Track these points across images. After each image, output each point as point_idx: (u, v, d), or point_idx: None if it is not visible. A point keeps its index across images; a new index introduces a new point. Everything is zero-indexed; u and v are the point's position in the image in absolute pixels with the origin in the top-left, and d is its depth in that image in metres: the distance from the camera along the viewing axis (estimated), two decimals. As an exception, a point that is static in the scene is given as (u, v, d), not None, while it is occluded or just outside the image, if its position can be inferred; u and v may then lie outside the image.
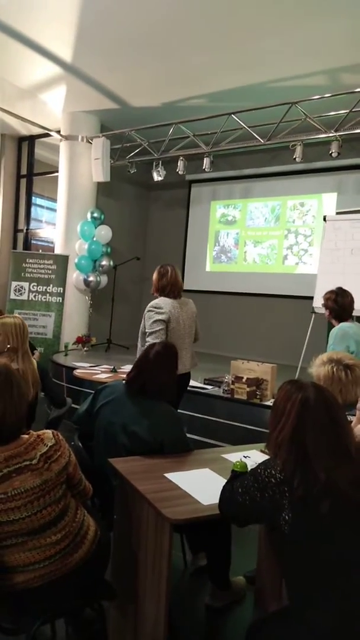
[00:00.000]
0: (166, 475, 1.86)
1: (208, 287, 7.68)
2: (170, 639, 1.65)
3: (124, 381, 2.36)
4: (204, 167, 6.08)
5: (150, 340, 2.94)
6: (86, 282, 6.73)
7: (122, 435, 2.12)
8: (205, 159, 6.02)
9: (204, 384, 4.50)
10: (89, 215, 6.76)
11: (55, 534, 1.50)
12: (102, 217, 6.86)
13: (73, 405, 3.27)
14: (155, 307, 3.07)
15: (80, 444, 2.26)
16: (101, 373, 4.58)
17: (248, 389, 3.95)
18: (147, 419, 2.12)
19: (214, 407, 4.24)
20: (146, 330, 3.05)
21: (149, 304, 3.12)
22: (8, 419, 1.49)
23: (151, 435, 2.10)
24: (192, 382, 4.31)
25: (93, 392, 2.42)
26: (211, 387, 4.41)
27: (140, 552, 1.76)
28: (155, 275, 3.25)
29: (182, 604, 2.24)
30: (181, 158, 6.20)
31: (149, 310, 3.09)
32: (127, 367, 4.77)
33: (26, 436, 1.54)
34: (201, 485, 1.80)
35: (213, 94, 5.68)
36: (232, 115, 5.48)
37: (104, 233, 6.79)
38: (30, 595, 1.49)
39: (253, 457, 2.11)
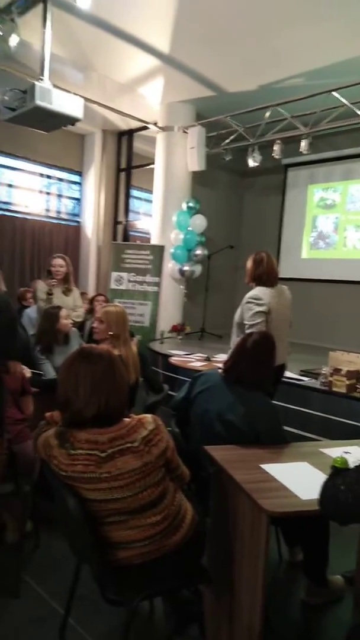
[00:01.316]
0: (262, 466, 1.84)
1: (304, 275, 7.42)
2: (266, 630, 1.64)
3: (219, 370, 2.37)
4: (301, 150, 5.84)
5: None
6: (181, 272, 6.85)
7: (218, 423, 2.14)
8: (303, 141, 5.78)
9: (300, 375, 4.37)
10: (184, 205, 6.84)
11: (155, 515, 1.56)
12: (198, 206, 6.90)
13: (169, 392, 3.36)
14: (255, 299, 3.01)
15: (177, 430, 2.32)
16: (195, 361, 4.65)
17: (348, 382, 3.77)
18: (243, 408, 2.10)
19: (310, 400, 4.11)
20: (246, 322, 3.00)
21: (248, 295, 3.06)
22: (111, 403, 1.57)
23: (247, 424, 2.08)
24: (287, 374, 4.21)
25: (187, 379, 2.46)
26: (307, 378, 4.27)
27: (236, 541, 1.76)
28: (249, 264, 3.18)
29: (277, 597, 2.22)
30: (278, 141, 6.02)
31: (248, 302, 3.03)
32: (221, 356, 4.79)
33: (128, 419, 1.61)
34: (299, 478, 1.76)
35: (312, 71, 5.41)
36: (333, 92, 5.17)
37: (199, 222, 6.84)
38: (132, 572, 1.57)
39: (354, 453, 2.01)
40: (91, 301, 5.24)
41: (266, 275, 3.09)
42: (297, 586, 2.28)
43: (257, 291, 3.06)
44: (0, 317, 1.60)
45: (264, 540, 1.57)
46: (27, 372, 2.91)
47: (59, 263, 4.19)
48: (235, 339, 3.09)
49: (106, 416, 1.55)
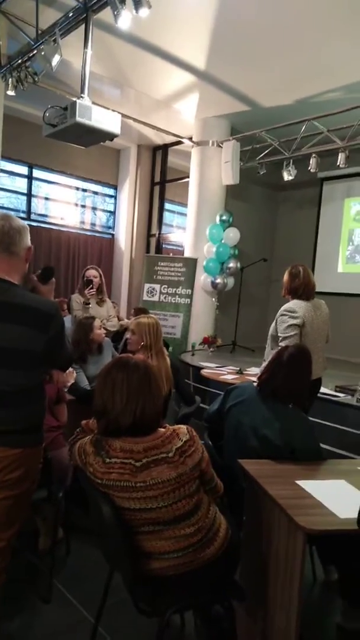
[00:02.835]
0: (298, 482, 1.80)
1: (340, 289, 7.28)
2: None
3: (254, 383, 2.34)
4: (338, 163, 5.79)
5: (283, 345, 2.88)
6: (213, 284, 6.85)
7: (253, 437, 2.11)
8: (340, 154, 5.74)
9: (336, 391, 4.27)
10: (217, 218, 6.87)
11: (189, 527, 1.55)
12: (231, 219, 6.92)
13: (201, 405, 3.34)
14: (289, 311, 2.98)
15: (210, 442, 2.30)
16: (227, 374, 4.62)
17: (385, 399, 3.65)
18: (278, 423, 2.07)
19: (346, 417, 4.00)
20: (279, 335, 2.97)
21: (283, 308, 3.04)
22: (147, 412, 1.57)
23: (282, 440, 2.05)
24: (322, 389, 4.13)
25: (218, 391, 2.45)
26: (343, 395, 4.17)
27: (271, 558, 1.72)
28: (286, 277, 3.16)
29: (311, 619, 2.14)
30: (314, 155, 5.99)
31: (282, 314, 3.00)
32: (253, 370, 4.74)
33: (163, 430, 1.61)
34: (337, 496, 1.71)
35: (350, 85, 5.38)
36: (372, 105, 5.12)
37: (232, 235, 6.84)
38: (164, 583, 1.56)
39: (394, 472, 1.94)
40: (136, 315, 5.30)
41: (302, 288, 3.06)
42: (333, 608, 2.20)
43: (292, 304, 3.03)
44: (52, 325, 1.64)
45: (300, 558, 1.53)
46: (72, 377, 2.94)
47: (93, 274, 4.27)
48: (269, 352, 3.06)
49: (142, 425, 1.56)
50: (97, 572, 2.13)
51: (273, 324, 3.09)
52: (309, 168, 6.04)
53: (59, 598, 2.20)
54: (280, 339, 2.96)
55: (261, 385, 2.24)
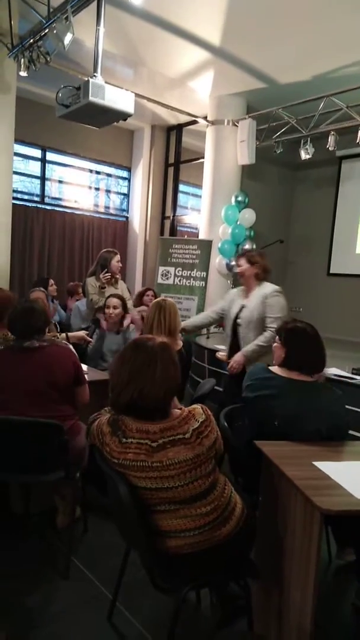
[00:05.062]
0: (315, 463, 1.79)
1: (358, 271, 7.14)
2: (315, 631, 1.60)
3: (267, 365, 2.29)
4: (357, 141, 5.62)
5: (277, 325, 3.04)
6: (228, 267, 6.78)
7: (289, 428, 2.00)
8: None
9: (352, 373, 4.22)
10: (233, 199, 6.77)
11: (205, 506, 1.56)
12: (247, 200, 6.80)
13: (216, 387, 3.34)
14: (280, 292, 3.20)
15: (225, 424, 2.30)
16: (243, 356, 4.58)
17: None
18: (314, 405, 1.99)
19: (362, 399, 3.95)
20: (276, 315, 3.17)
21: (272, 289, 3.24)
22: (145, 396, 1.54)
23: (320, 422, 1.98)
24: (339, 372, 4.09)
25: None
26: (360, 377, 4.12)
27: (287, 538, 1.73)
28: (256, 263, 3.33)
29: (326, 599, 2.16)
30: (332, 133, 5.83)
31: (276, 295, 3.24)
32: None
33: (179, 411, 1.61)
34: (354, 477, 1.70)
35: (370, 58, 5.20)
36: (393, 79, 4.95)
37: (248, 216, 6.74)
38: (180, 561, 1.58)
39: None
40: (141, 296, 5.31)
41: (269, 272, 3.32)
42: (348, 589, 2.21)
43: (276, 286, 3.24)
44: None
45: (317, 538, 1.53)
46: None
47: (119, 267, 4.33)
48: (255, 337, 3.25)
49: (138, 407, 1.54)
50: (114, 550, 2.16)
51: (256, 308, 3.16)
52: (327, 146, 5.89)
53: (77, 574, 2.24)
54: (276, 319, 3.13)
55: (287, 365, 2.16)
